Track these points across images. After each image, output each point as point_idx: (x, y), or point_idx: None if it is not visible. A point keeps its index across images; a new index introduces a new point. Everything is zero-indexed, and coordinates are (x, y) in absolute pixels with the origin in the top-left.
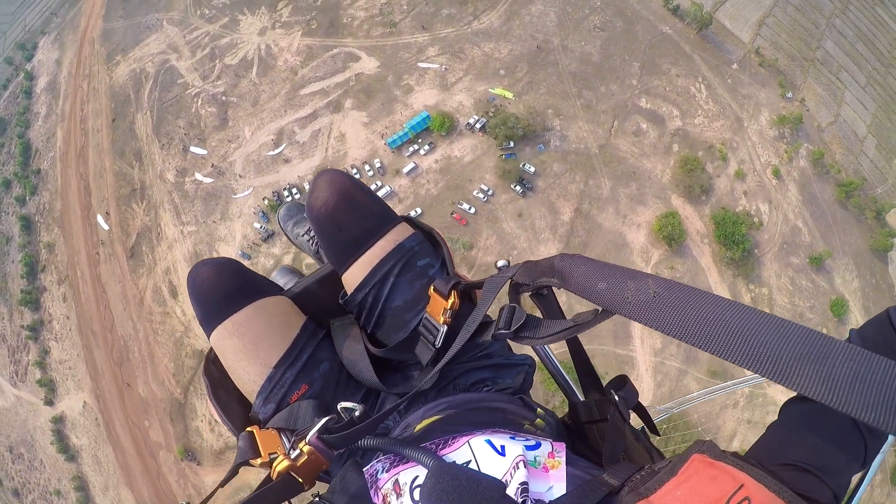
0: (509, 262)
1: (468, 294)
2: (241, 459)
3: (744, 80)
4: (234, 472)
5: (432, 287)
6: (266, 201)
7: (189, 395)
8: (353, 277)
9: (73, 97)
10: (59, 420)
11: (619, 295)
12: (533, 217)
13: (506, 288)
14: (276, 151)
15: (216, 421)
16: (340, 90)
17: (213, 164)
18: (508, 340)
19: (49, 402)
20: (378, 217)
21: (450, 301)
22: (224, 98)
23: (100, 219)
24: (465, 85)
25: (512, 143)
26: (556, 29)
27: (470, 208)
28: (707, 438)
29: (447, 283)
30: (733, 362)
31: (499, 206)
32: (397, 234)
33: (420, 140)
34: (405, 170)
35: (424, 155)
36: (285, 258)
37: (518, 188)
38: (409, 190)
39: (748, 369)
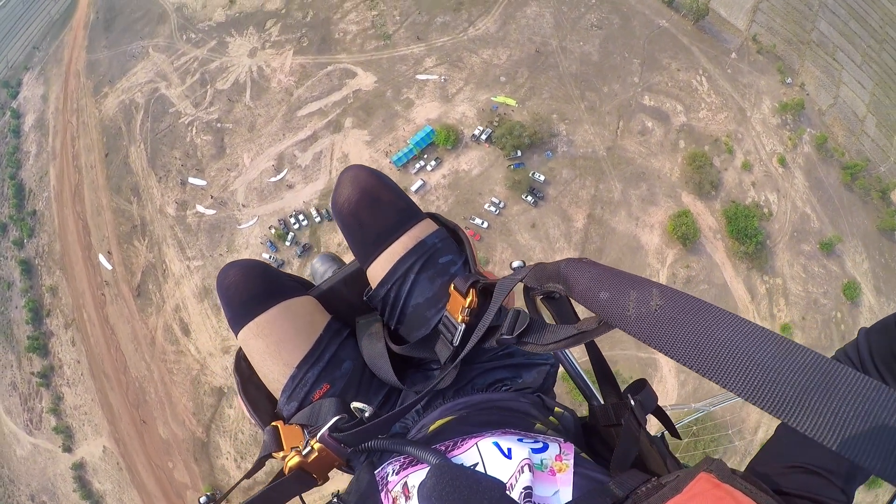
0: (524, 263)
1: (488, 292)
2: (265, 453)
3: (743, 68)
4: (259, 465)
5: (452, 285)
6: (273, 230)
7: (211, 433)
8: (375, 273)
9: (63, 133)
10: (79, 466)
11: (621, 307)
12: (546, 227)
13: (522, 289)
14: (279, 177)
15: (241, 457)
16: (339, 109)
17: (212, 196)
18: None
19: (67, 449)
20: (401, 213)
21: (468, 300)
22: (219, 125)
23: (102, 259)
24: (466, 95)
25: (519, 153)
26: (553, 30)
27: (482, 223)
28: (717, 457)
29: (466, 282)
30: (729, 390)
31: (511, 217)
32: (420, 231)
33: (426, 156)
34: (413, 188)
35: (431, 171)
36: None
37: (529, 198)
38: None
39: (746, 400)
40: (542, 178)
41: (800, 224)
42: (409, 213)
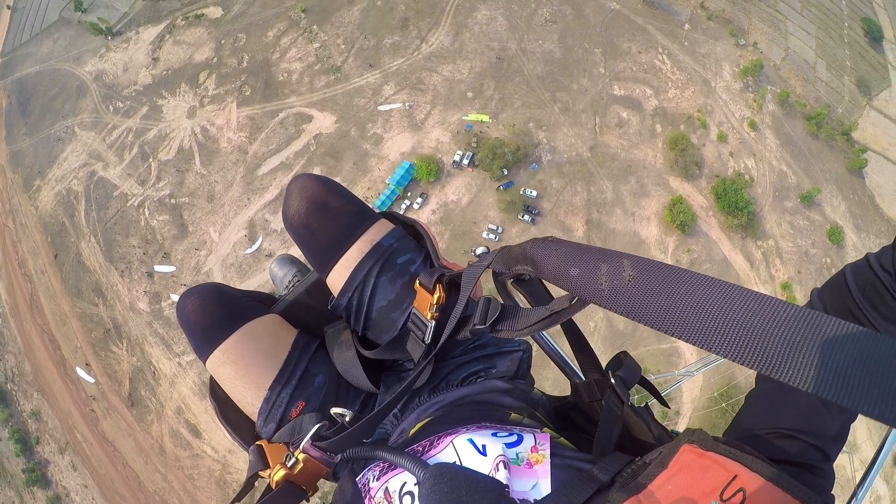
0: (488, 249)
1: (455, 284)
2: (252, 472)
3: (698, 38)
4: (248, 486)
5: (417, 281)
6: None
7: None
8: (335, 282)
9: (2, 240)
10: None
11: (593, 282)
12: None
13: (492, 274)
14: (254, 248)
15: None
16: (303, 158)
17: (183, 285)
18: None
19: None
20: (353, 217)
21: (435, 296)
22: (173, 201)
23: (80, 372)
24: (436, 119)
25: (506, 171)
26: (508, 33)
27: (486, 252)
28: (697, 427)
29: (431, 277)
30: (717, 354)
31: (512, 240)
32: (374, 233)
33: (409, 193)
34: None
35: (419, 209)
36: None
37: (526, 217)
38: None
39: (733, 360)
40: (534, 193)
41: (779, 183)
42: (361, 217)
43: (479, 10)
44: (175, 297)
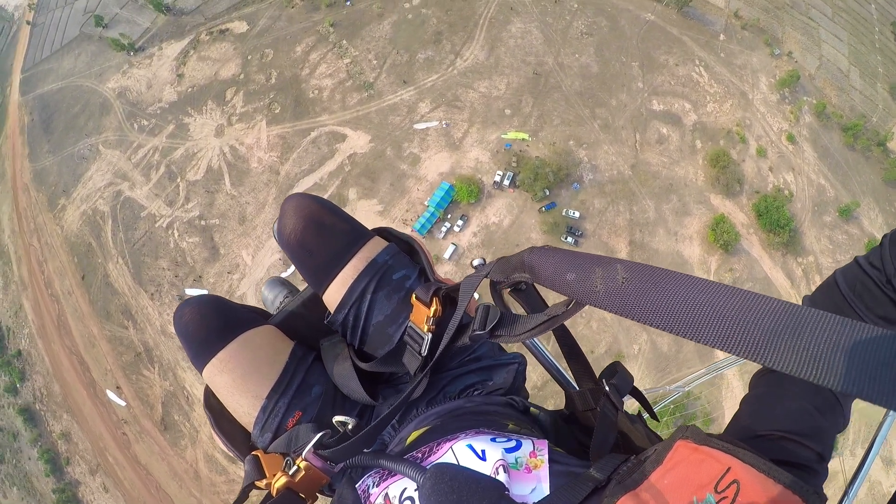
0: (485, 260)
1: (451, 298)
2: (248, 482)
3: (734, 49)
4: (243, 496)
5: (414, 295)
6: None
7: None
8: (331, 298)
9: (28, 259)
10: None
11: (588, 284)
12: None
13: (489, 284)
14: (290, 272)
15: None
16: (337, 179)
17: None
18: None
19: None
20: (347, 235)
21: (432, 308)
22: (203, 222)
23: (111, 395)
24: (474, 137)
25: (548, 192)
26: (544, 47)
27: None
28: (690, 423)
29: (428, 291)
30: (705, 343)
31: None
32: (369, 251)
33: (449, 216)
34: (446, 255)
35: (460, 231)
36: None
37: (570, 239)
38: (455, 275)
39: (720, 349)
40: (577, 213)
41: (818, 197)
42: (355, 235)
43: (513, 24)
44: None
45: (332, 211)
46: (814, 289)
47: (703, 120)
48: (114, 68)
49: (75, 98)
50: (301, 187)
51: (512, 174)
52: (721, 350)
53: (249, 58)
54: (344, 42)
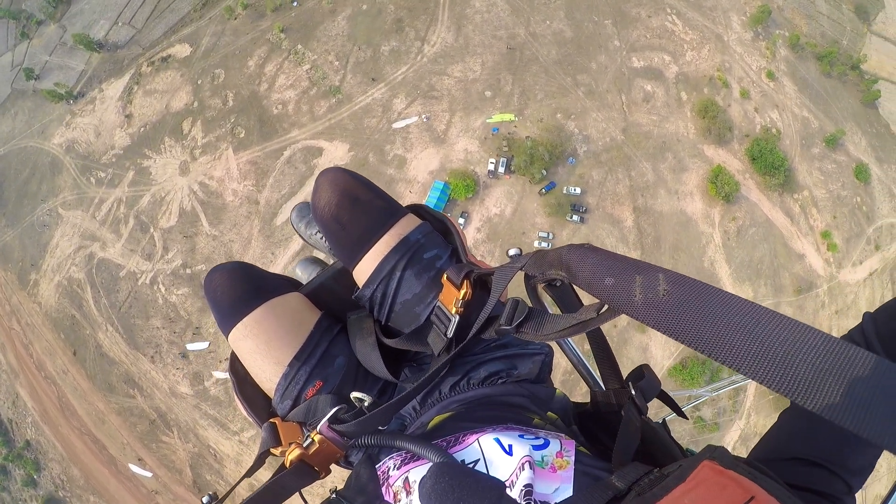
0: (521, 251)
1: (482, 281)
2: (264, 449)
3: None
4: (259, 462)
5: (445, 276)
6: None
7: None
8: (361, 273)
9: (12, 344)
10: None
11: (627, 292)
12: (601, 238)
13: (523, 276)
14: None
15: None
16: None
17: (224, 359)
18: None
19: None
20: (382, 211)
21: (462, 291)
22: (188, 270)
23: (135, 469)
24: (458, 127)
25: (545, 172)
26: (513, 18)
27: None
28: (719, 445)
29: (460, 272)
30: (745, 374)
31: (564, 244)
32: (402, 228)
33: (449, 215)
34: None
35: (463, 229)
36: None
37: (575, 217)
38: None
39: (759, 382)
40: (578, 189)
41: (804, 130)
42: (389, 211)
43: None
44: (218, 374)
45: (367, 186)
46: (815, 222)
47: (684, 70)
48: (56, 122)
49: (22, 162)
50: (285, 214)
51: (505, 160)
52: (759, 383)
53: (200, 82)
54: (299, 47)
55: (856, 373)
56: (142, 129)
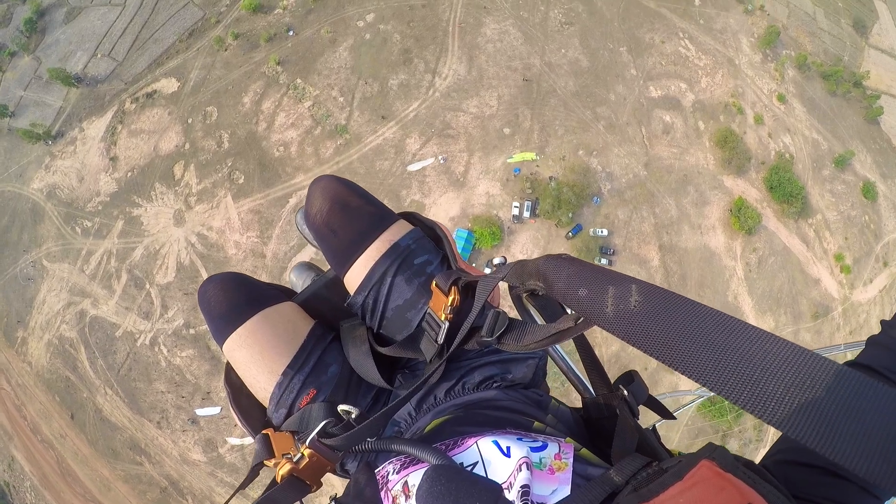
0: (506, 260)
1: (470, 288)
2: (257, 461)
3: (710, 13)
4: (253, 474)
5: (434, 282)
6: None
7: None
8: (352, 280)
9: (3, 404)
10: None
11: (599, 304)
12: None
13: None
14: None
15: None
16: None
17: (235, 425)
18: None
19: None
20: (372, 218)
21: (450, 297)
22: (192, 331)
23: None
24: (478, 169)
25: (571, 215)
26: (527, 47)
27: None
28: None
29: (447, 279)
30: (710, 389)
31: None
32: (393, 234)
33: (474, 265)
34: None
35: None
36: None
37: (603, 261)
38: None
39: (724, 398)
40: (604, 231)
41: (814, 153)
42: (380, 217)
43: (486, 25)
44: (233, 441)
45: (358, 193)
46: (828, 245)
47: (700, 98)
48: (34, 164)
49: (0, 208)
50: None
51: (530, 203)
52: (727, 400)
53: (190, 121)
54: (298, 81)
55: (825, 388)
56: (129, 173)
